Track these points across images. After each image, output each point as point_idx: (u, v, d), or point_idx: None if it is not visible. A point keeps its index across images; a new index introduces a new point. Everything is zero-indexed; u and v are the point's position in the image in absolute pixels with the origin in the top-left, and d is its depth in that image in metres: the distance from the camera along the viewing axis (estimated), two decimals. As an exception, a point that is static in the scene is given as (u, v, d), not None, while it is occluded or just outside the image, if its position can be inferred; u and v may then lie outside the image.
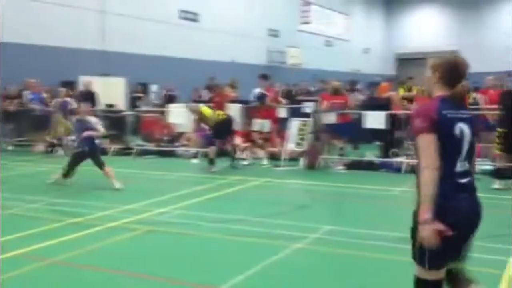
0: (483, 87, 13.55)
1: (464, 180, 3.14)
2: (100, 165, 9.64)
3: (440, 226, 3.00)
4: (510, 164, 9.70)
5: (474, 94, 12.73)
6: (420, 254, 3.13)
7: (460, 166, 3.13)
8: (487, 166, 10.43)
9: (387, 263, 5.54)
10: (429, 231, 3.00)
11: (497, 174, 9.58)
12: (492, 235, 5.79)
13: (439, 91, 3.23)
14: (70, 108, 14.94)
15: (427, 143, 3.06)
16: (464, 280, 3.35)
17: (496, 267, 5.18)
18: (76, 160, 9.63)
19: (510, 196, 8.32)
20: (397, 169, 11.52)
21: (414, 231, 3.13)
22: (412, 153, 12.04)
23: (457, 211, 3.08)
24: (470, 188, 3.18)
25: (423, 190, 3.02)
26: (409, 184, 10.06)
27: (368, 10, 39.14)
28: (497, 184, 9.28)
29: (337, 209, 8.53)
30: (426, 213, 3.00)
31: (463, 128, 3.12)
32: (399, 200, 8.93)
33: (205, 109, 12.08)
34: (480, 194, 3.25)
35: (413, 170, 11.22)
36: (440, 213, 3.02)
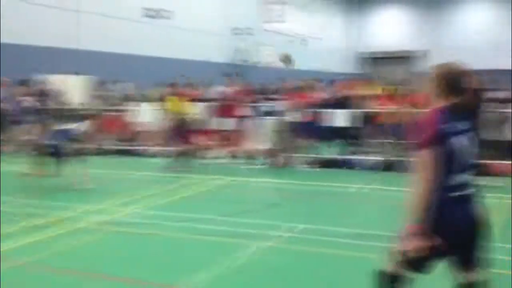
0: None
1: (460, 193, 3.12)
2: (72, 162, 9.39)
3: (428, 241, 3.02)
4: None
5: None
6: (403, 257, 3.13)
7: (458, 178, 3.12)
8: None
9: (356, 260, 5.53)
10: (414, 244, 3.02)
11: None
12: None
13: (441, 102, 3.20)
14: (24, 106, 14.63)
15: (426, 157, 3.06)
16: None
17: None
18: (46, 156, 9.26)
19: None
20: (364, 167, 11.62)
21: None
22: (378, 151, 12.20)
23: (448, 223, 3.08)
24: (466, 200, 3.16)
25: (414, 203, 3.04)
26: (377, 181, 10.26)
27: (334, 9, 39.41)
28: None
29: (305, 207, 8.52)
30: (413, 227, 3.03)
31: (463, 141, 3.11)
32: (367, 198, 9.01)
33: (173, 100, 11.92)
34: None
35: (380, 167, 11.45)
36: (432, 225, 3.04)
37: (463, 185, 3.14)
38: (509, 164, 10.58)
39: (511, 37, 31.92)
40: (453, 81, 3.19)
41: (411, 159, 3.19)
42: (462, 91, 3.20)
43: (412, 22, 37.91)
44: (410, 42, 36.43)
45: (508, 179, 9.68)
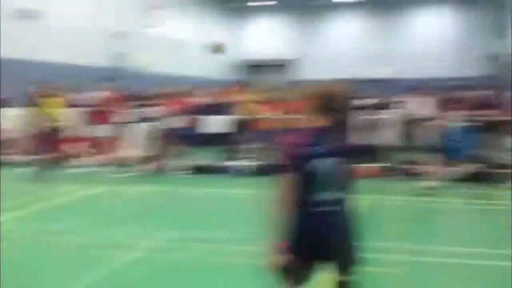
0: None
1: (325, 209, 3.17)
2: None
3: (292, 255, 3.13)
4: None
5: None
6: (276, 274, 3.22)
7: (323, 195, 3.16)
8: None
9: (231, 265, 5.53)
10: (275, 260, 3.14)
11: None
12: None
13: (314, 122, 3.23)
14: None
15: (285, 178, 3.13)
16: None
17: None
18: None
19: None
20: (242, 172, 11.71)
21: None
22: (255, 156, 12.37)
23: (306, 238, 3.16)
24: (331, 216, 3.20)
25: (272, 221, 3.15)
26: (253, 186, 10.32)
27: (217, 15, 39.63)
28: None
29: (181, 214, 8.37)
30: (274, 244, 3.14)
31: (330, 161, 3.15)
32: (243, 203, 9.05)
33: (42, 105, 11.30)
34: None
35: (257, 172, 11.59)
36: (294, 239, 3.14)
37: (328, 202, 3.19)
38: (378, 166, 11.14)
39: (381, 47, 34.06)
40: (327, 103, 3.23)
41: (276, 172, 3.22)
42: (335, 112, 3.24)
43: (289, 31, 39.06)
44: (286, 51, 37.48)
45: (376, 181, 10.19)
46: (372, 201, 8.55)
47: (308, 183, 3.15)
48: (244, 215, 8.24)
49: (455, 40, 33.70)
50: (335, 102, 3.24)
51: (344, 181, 3.26)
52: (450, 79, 14.55)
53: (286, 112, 12.06)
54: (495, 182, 10.43)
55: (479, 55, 30.69)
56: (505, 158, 11.07)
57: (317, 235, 3.18)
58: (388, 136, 11.93)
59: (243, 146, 12.84)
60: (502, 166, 10.81)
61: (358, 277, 3.38)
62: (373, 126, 11.91)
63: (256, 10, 40.21)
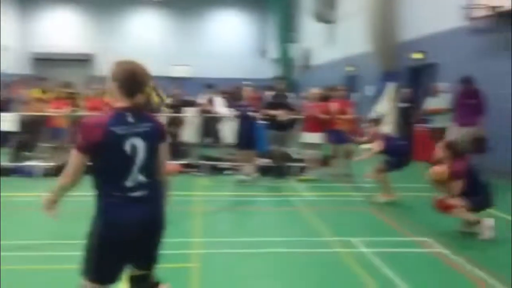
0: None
1: (136, 194, 3.04)
2: None
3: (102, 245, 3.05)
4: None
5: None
6: (85, 266, 3.08)
7: (132, 180, 3.02)
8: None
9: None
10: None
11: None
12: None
13: (118, 102, 3.07)
14: None
15: (75, 161, 2.98)
16: (151, 285, 3.32)
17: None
18: None
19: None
20: (30, 174, 10.88)
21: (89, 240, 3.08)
22: (45, 156, 11.62)
23: (119, 225, 3.01)
24: (143, 201, 3.07)
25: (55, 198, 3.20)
26: (43, 189, 9.60)
27: (3, 5, 36.62)
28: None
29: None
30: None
31: (136, 143, 3.01)
32: (31, 206, 8.41)
33: None
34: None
35: (50, 173, 10.82)
36: (102, 227, 3.00)
37: (140, 186, 3.08)
38: (180, 163, 11.24)
39: (182, 47, 34.65)
40: (133, 80, 3.08)
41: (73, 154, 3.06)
42: (140, 90, 3.11)
43: (89, 25, 37.64)
44: (87, 45, 36.17)
45: (179, 178, 10.28)
46: (176, 197, 8.54)
47: (118, 165, 3.01)
48: (38, 220, 7.68)
49: (252, 43, 35.48)
50: (138, 81, 3.12)
51: (153, 166, 3.16)
52: (245, 79, 15.18)
53: (86, 109, 11.63)
54: (288, 175, 11.18)
55: (273, 58, 32.65)
56: (296, 153, 11.94)
57: (131, 222, 3.04)
58: (187, 133, 12.10)
59: (38, 145, 12.03)
60: (294, 161, 11.63)
61: (158, 272, 3.34)
62: (173, 123, 11.98)
63: (55, 2, 38.07)
